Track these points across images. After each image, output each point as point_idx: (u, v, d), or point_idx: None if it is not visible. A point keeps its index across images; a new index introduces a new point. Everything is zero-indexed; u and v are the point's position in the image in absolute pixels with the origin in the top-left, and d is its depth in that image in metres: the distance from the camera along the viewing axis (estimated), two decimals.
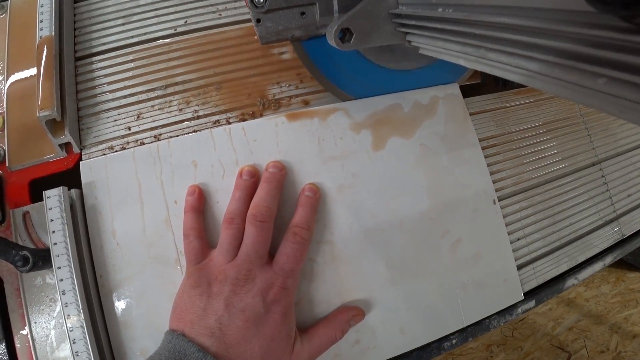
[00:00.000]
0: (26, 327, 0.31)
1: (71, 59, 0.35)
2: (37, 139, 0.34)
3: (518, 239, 0.37)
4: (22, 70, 0.35)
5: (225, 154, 0.31)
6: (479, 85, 0.40)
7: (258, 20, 0.28)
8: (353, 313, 0.30)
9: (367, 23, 0.27)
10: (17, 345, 0.31)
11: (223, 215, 0.30)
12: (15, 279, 0.33)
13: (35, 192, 0.34)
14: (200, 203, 0.29)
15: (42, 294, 0.32)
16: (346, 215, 0.32)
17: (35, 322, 0.32)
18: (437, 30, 0.24)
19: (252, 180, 0.30)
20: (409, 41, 0.28)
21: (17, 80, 0.35)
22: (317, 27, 0.29)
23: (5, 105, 0.34)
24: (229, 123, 0.33)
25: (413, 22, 0.26)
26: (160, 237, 0.30)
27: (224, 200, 0.30)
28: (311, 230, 0.29)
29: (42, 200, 0.34)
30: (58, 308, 0.32)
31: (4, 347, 0.32)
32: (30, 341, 0.31)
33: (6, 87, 0.35)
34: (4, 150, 0.34)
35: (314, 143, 0.32)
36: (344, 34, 0.27)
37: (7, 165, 0.33)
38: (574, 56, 0.15)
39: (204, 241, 0.29)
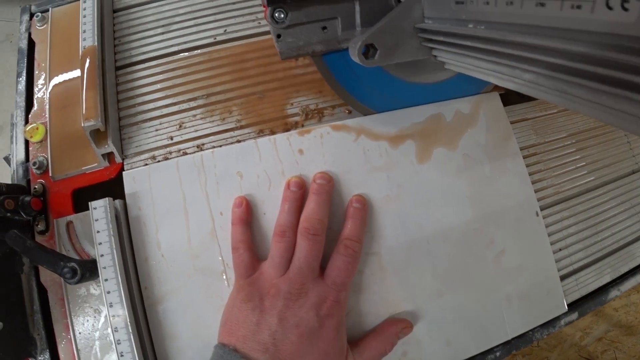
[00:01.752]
0: (70, 337, 0.31)
1: (112, 68, 0.34)
2: (79, 149, 0.33)
3: (560, 250, 0.36)
4: (63, 80, 0.35)
5: (270, 165, 0.30)
6: (501, 96, 0.39)
7: (278, 36, 0.26)
8: (402, 325, 0.29)
9: (391, 38, 0.25)
10: (62, 355, 0.31)
11: (270, 227, 0.29)
12: (59, 289, 0.32)
13: (77, 202, 0.34)
14: (248, 215, 0.29)
15: (86, 305, 0.31)
16: (393, 227, 0.31)
17: (80, 333, 0.31)
18: (466, 47, 0.23)
19: (300, 191, 0.29)
20: (435, 56, 0.27)
21: (59, 90, 0.34)
22: (339, 41, 0.28)
23: (47, 115, 0.34)
24: (273, 133, 0.32)
25: (441, 38, 0.24)
26: (206, 249, 0.30)
27: (270, 212, 0.30)
28: (362, 242, 0.28)
29: (85, 210, 0.33)
30: (102, 319, 0.31)
31: (48, 358, 0.31)
32: (75, 352, 0.30)
33: (48, 97, 0.34)
34: (47, 160, 0.33)
35: (360, 154, 0.31)
36: (368, 50, 0.25)
37: (50, 174, 0.33)
38: (627, 85, 0.13)
39: (254, 254, 0.28)
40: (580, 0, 0.14)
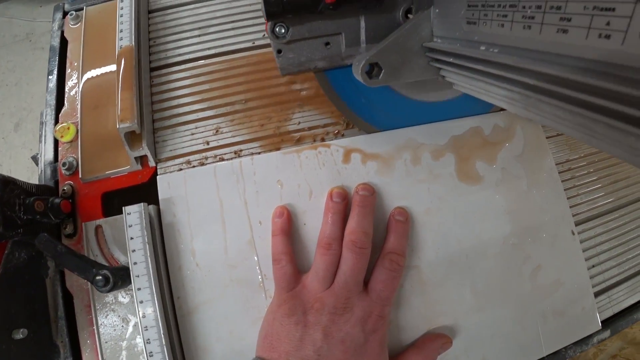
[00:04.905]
0: (96, 346, 0.29)
1: (147, 69, 0.33)
2: (111, 150, 0.31)
3: (593, 266, 0.34)
4: (96, 80, 0.33)
5: (312, 174, 0.29)
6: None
7: (279, 51, 0.25)
8: (442, 341, 0.28)
9: (397, 57, 0.23)
10: None
11: (310, 238, 0.27)
12: (85, 295, 0.30)
13: (105, 206, 0.32)
14: (289, 225, 0.27)
15: (114, 313, 0.29)
16: (433, 240, 0.30)
17: (106, 342, 0.29)
18: (476, 70, 0.20)
19: (343, 203, 0.27)
20: (443, 76, 0.25)
21: (91, 90, 0.33)
22: (342, 57, 0.26)
23: (79, 115, 0.32)
24: (314, 141, 0.31)
25: (450, 59, 0.22)
26: (243, 259, 0.28)
27: (311, 223, 0.28)
28: (405, 256, 0.27)
29: (113, 214, 0.31)
30: (130, 329, 0.29)
31: None
32: None
33: (80, 97, 0.32)
34: (77, 161, 0.32)
35: (401, 165, 0.30)
36: (372, 69, 0.23)
37: (79, 176, 0.31)
38: None
39: (296, 266, 0.26)
40: (611, 29, 0.12)
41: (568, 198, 0.34)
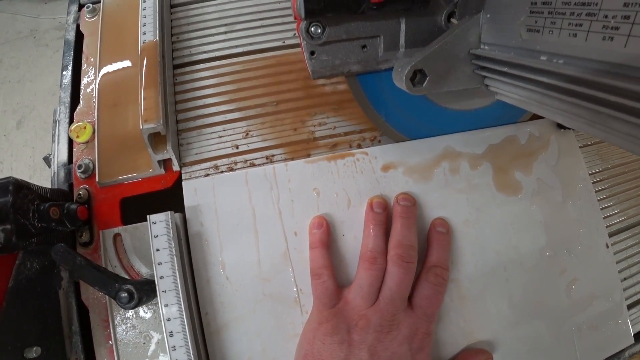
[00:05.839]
0: None
1: (170, 66, 0.31)
2: (131, 152, 0.29)
3: (625, 279, 0.34)
4: (115, 76, 0.31)
5: (349, 182, 0.27)
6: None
7: (312, 53, 0.23)
8: (484, 357, 0.26)
9: (443, 64, 0.22)
10: None
11: (350, 250, 0.26)
12: (103, 309, 0.28)
13: (124, 212, 0.30)
14: (328, 237, 0.25)
15: (134, 330, 0.27)
16: (472, 252, 0.28)
17: None
18: (533, 82, 0.19)
19: (385, 213, 0.26)
20: (487, 85, 0.24)
21: (109, 87, 0.30)
22: (378, 62, 0.25)
23: (96, 114, 0.30)
24: (350, 147, 0.29)
25: (505, 69, 0.20)
26: (278, 272, 0.26)
27: (350, 234, 0.26)
28: (449, 269, 0.26)
29: (134, 222, 0.29)
30: (152, 346, 0.27)
31: None
32: None
33: (97, 94, 0.30)
34: (94, 163, 0.29)
35: (440, 174, 0.29)
36: (415, 75, 0.22)
37: (96, 179, 0.29)
38: None
39: (336, 281, 0.24)
40: None
41: (601, 210, 0.34)
